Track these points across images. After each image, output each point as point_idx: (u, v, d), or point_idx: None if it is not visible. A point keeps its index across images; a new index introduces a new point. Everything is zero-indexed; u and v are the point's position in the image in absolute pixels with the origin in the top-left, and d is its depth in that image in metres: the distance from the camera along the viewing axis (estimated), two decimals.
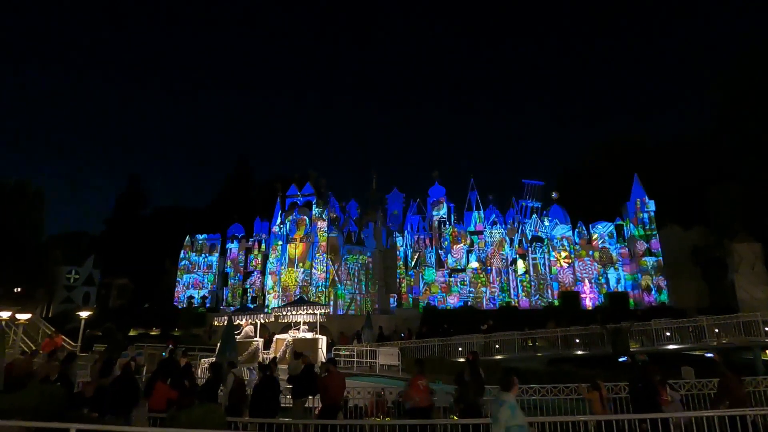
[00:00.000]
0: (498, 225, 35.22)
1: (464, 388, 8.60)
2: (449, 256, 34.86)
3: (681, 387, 10.18)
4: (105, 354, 12.37)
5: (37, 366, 9.81)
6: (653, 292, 30.94)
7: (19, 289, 36.55)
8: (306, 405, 10.48)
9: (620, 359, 18.82)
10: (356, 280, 33.68)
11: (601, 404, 8.14)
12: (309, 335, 19.86)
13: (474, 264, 34.26)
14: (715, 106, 36.81)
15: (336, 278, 32.49)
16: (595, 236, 33.96)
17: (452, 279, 34.08)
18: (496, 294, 33.17)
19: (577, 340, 21.12)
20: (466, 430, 7.25)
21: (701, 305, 28.42)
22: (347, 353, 20.36)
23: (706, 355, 18.58)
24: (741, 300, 26.84)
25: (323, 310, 20.90)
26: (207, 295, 38.07)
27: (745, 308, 24.88)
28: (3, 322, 14.17)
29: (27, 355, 11.70)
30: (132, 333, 31.51)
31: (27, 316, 18.47)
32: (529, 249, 33.83)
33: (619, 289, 31.88)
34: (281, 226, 34.43)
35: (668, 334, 20.52)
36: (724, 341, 19.92)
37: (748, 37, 47.31)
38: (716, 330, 20.40)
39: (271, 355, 17.91)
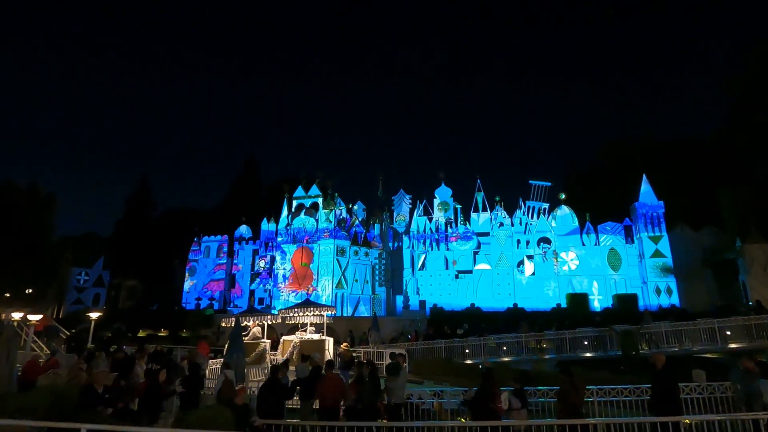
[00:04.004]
0: (505, 226, 35.06)
1: (363, 389, 8.94)
2: (456, 257, 34.76)
3: (693, 390, 10.07)
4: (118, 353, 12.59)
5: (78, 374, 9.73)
6: (663, 294, 30.62)
7: (30, 291, 37.11)
8: (315, 407, 10.51)
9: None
10: (363, 281, 33.70)
11: None
12: (316, 336, 19.89)
13: (481, 265, 34.14)
14: (726, 105, 36.45)
15: (342, 279, 32.56)
16: (603, 237, 33.68)
17: (459, 280, 34.00)
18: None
19: (586, 342, 20.98)
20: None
21: (712, 307, 28.06)
22: (354, 355, 20.40)
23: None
24: (753, 302, 26.47)
25: (330, 312, 20.92)
26: (214, 296, 38.33)
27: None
28: (15, 323, 14.39)
29: (51, 359, 11.87)
30: (141, 334, 31.83)
31: (38, 317, 18.71)
32: (537, 250, 33.65)
33: (628, 291, 31.55)
34: (288, 227, 34.59)
35: (679, 336, 20.28)
36: (732, 345, 19.64)
37: (761, 34, 46.68)
38: (728, 332, 20.12)
39: (279, 357, 17.96)
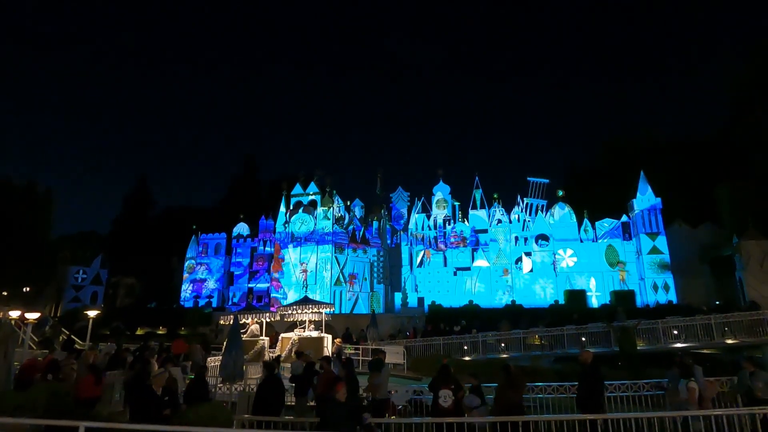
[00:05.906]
0: (503, 223, 35.07)
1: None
2: (454, 254, 34.78)
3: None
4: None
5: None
6: (660, 290, 30.72)
7: (28, 289, 37.04)
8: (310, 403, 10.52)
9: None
10: (361, 278, 33.69)
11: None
12: (314, 334, 19.91)
13: (479, 262, 34.17)
14: (726, 104, 36.53)
15: (341, 277, 32.57)
16: (601, 234, 33.74)
17: (457, 277, 34.03)
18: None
19: (584, 339, 21.05)
20: (472, 429, 7.26)
21: (709, 303, 28.21)
22: (352, 351, 20.47)
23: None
24: (750, 298, 26.61)
25: (328, 309, 20.93)
26: (212, 294, 38.32)
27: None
28: (12, 321, 14.33)
29: (48, 356, 11.92)
30: (139, 332, 31.82)
31: (36, 315, 18.67)
32: (535, 247, 33.68)
33: (626, 288, 31.63)
34: (286, 225, 34.55)
35: (675, 332, 20.37)
36: (729, 340, 19.73)
37: (761, 34, 46.74)
38: (725, 328, 20.21)
39: (276, 354, 17.98)
